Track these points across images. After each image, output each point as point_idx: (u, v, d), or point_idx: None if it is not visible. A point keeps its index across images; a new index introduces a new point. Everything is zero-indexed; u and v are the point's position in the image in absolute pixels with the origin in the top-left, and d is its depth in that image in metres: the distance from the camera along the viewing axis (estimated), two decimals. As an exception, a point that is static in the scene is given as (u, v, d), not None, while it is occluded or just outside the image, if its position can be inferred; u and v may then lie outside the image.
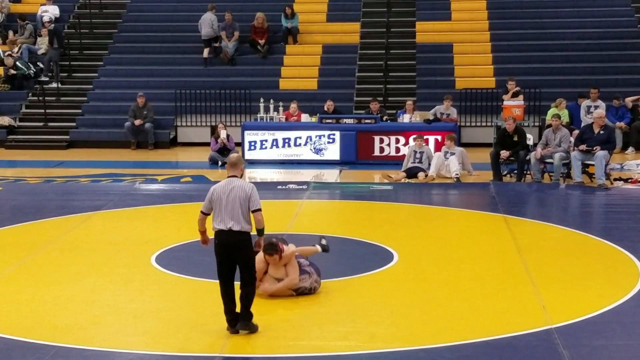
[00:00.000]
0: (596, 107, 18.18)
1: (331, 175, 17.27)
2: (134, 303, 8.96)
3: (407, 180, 16.36)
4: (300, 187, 15.49)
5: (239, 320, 7.97)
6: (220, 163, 18.12)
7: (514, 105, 18.79)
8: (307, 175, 17.15)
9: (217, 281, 8.05)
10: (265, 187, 16.32)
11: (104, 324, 8.36)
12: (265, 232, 8.14)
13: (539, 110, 19.98)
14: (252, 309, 8.00)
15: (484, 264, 10.51)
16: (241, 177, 8.16)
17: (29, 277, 9.93)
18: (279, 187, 15.65)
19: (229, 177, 8.08)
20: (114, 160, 18.97)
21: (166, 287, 9.39)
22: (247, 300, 7.98)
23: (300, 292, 9.05)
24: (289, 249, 9.15)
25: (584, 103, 18.57)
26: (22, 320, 8.40)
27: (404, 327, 8.25)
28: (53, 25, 22.99)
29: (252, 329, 7.97)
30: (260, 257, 8.84)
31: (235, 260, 7.97)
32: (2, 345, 7.75)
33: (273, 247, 8.90)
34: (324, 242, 10.01)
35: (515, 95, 19.30)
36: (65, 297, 9.18)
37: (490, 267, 10.35)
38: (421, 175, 16.44)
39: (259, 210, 7.99)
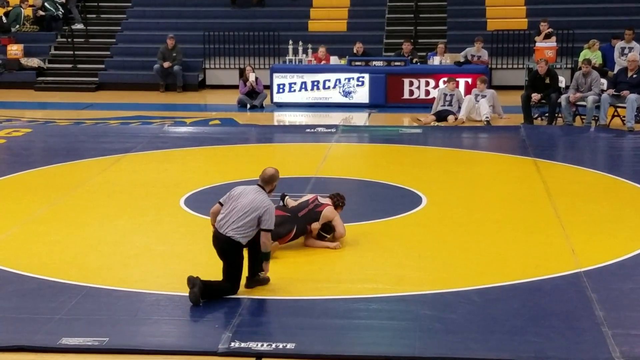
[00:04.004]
0: (630, 48, 17.82)
1: (360, 119, 17.18)
2: (163, 245, 9.03)
3: (436, 124, 16.24)
4: (329, 130, 15.43)
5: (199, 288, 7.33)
6: (249, 106, 18.09)
7: (546, 47, 18.48)
8: (335, 118, 17.08)
9: None
10: (294, 130, 16.34)
11: (134, 265, 8.44)
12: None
13: (571, 52, 19.63)
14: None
15: (514, 207, 10.45)
16: (269, 193, 7.68)
17: (59, 219, 10.04)
18: (308, 130, 15.60)
19: (258, 184, 7.68)
20: (143, 103, 19.00)
21: (195, 229, 9.44)
22: (216, 286, 7.50)
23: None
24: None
25: (618, 44, 18.20)
26: (53, 261, 8.50)
27: (432, 270, 8.25)
28: None
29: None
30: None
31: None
32: (34, 285, 7.86)
33: (344, 199, 9.04)
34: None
35: (547, 36, 18.94)
36: (96, 238, 9.27)
37: (519, 210, 10.29)
38: (451, 118, 16.31)
39: (269, 231, 7.52)
